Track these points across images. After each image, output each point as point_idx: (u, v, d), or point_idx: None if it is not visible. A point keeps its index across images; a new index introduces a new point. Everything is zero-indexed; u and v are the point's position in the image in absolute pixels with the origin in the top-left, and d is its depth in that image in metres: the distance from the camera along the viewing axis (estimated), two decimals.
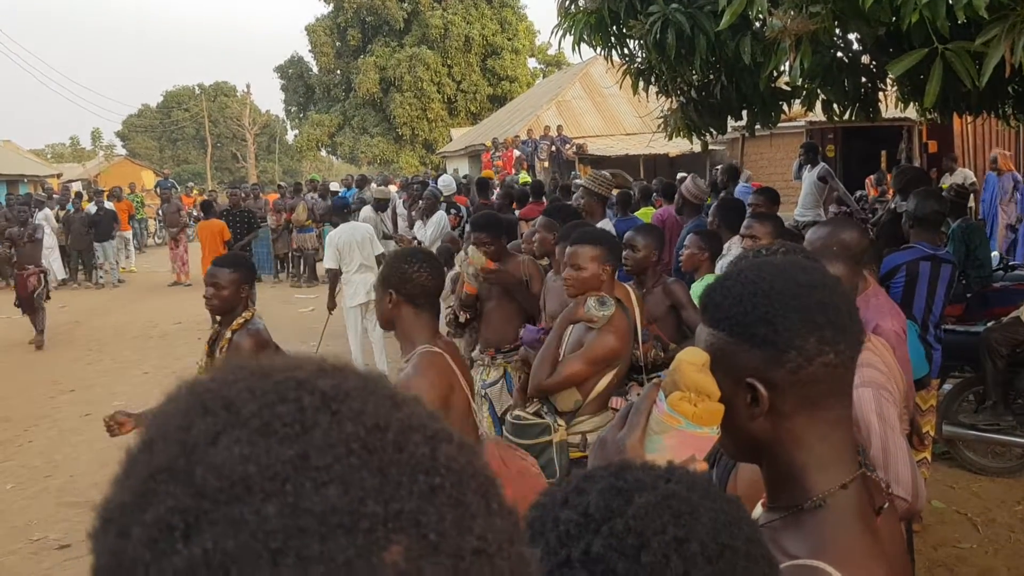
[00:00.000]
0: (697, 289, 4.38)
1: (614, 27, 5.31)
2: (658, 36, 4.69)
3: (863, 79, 5.62)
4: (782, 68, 4.72)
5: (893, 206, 6.91)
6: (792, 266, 1.22)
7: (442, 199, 10.64)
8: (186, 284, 16.89)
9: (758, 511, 1.22)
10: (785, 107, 5.86)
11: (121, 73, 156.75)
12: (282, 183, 20.58)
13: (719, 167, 10.23)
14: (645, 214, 8.24)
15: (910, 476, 2.06)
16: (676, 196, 7.08)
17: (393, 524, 0.38)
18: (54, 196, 20.95)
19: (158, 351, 10.95)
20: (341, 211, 9.06)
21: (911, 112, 9.76)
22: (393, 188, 16.86)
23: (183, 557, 0.37)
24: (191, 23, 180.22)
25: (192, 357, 10.45)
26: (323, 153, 46.80)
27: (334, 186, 18.95)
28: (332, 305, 8.56)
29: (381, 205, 11.71)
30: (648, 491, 0.76)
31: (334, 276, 8.44)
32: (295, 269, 17.32)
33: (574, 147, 19.95)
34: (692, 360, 1.19)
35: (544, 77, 38.45)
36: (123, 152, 58.74)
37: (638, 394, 1.40)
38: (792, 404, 1.14)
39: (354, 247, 8.53)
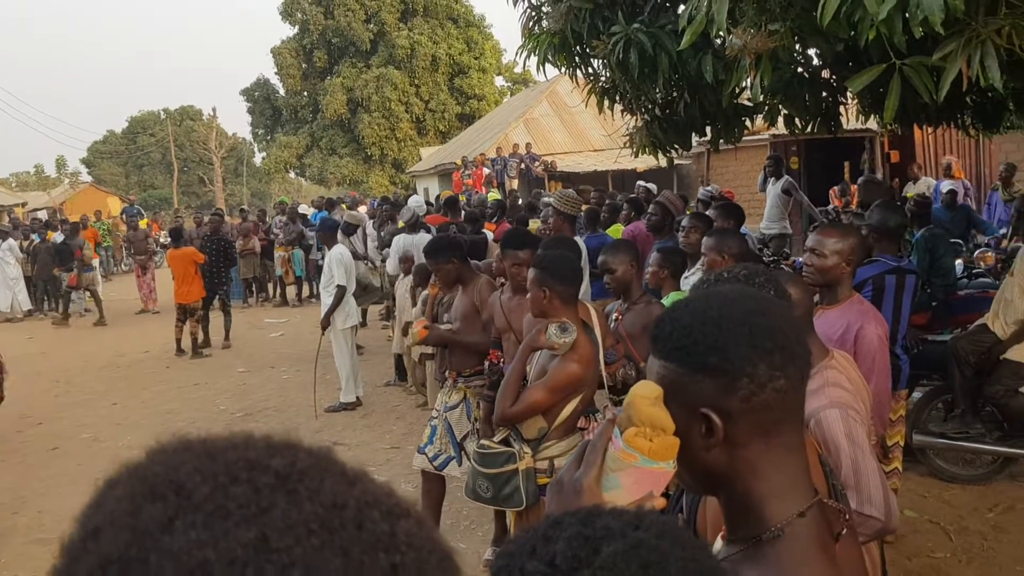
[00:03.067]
0: (666, 303, 4.38)
1: (578, 47, 5.34)
2: (621, 56, 4.72)
3: (824, 93, 5.69)
4: (743, 85, 4.78)
5: (854, 221, 6.98)
6: (739, 294, 1.22)
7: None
8: (154, 312, 16.72)
9: (718, 544, 1.21)
10: (748, 122, 5.92)
11: (85, 100, 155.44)
12: (245, 207, 20.38)
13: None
14: (616, 231, 8.27)
15: (882, 496, 2.07)
16: (652, 209, 7.08)
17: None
18: (19, 227, 20.64)
19: (126, 381, 10.80)
20: (333, 232, 8.99)
21: (872, 123, 9.91)
22: (363, 209, 16.81)
23: None
24: (156, 48, 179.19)
25: (161, 386, 10.35)
26: (291, 175, 46.57)
27: (303, 208, 18.86)
28: (327, 324, 8.48)
29: (350, 228, 11.71)
30: (616, 539, 0.75)
31: (342, 294, 8.37)
32: (265, 293, 17.21)
33: (543, 164, 20.03)
34: (645, 394, 1.19)
35: (511, 95, 38.59)
36: (88, 179, 58.04)
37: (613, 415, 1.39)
38: (746, 432, 1.13)
39: (352, 268, 8.54)
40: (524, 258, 4.50)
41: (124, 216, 25.88)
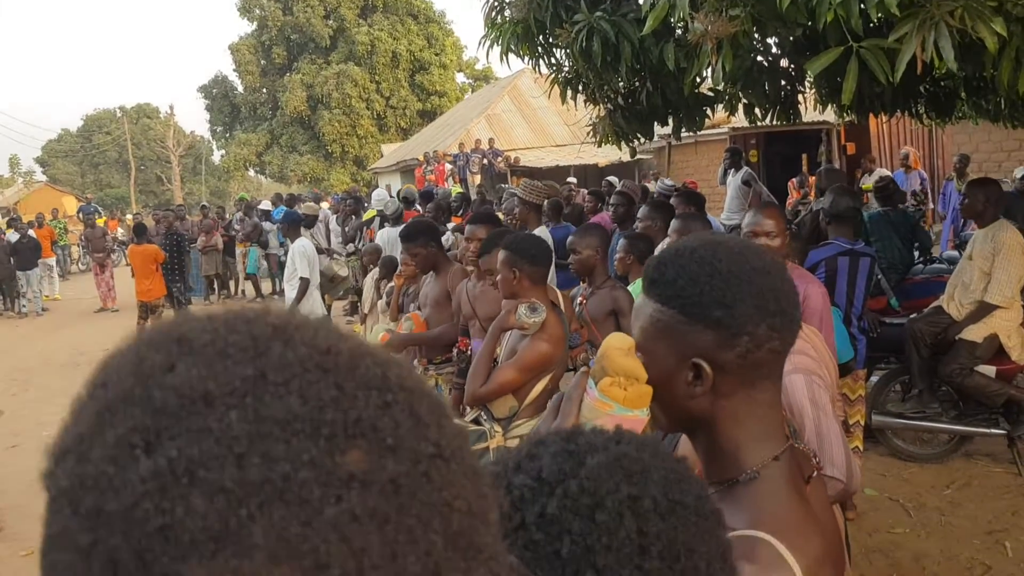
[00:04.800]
0: (635, 291, 4.44)
1: (540, 36, 5.37)
2: (584, 44, 4.76)
3: (783, 82, 5.78)
4: (705, 73, 4.84)
5: (814, 207, 7.13)
6: (746, 249, 1.22)
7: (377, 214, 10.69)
8: (113, 310, 16.49)
9: None
10: (709, 112, 6.00)
11: (38, 98, 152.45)
12: (206, 204, 20.21)
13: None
14: None
15: (844, 458, 2.12)
16: (615, 199, 7.14)
17: (352, 430, 0.39)
18: None
19: (87, 378, 10.64)
20: (297, 226, 8.97)
21: (830, 116, 10.07)
22: (325, 205, 16.75)
23: (148, 466, 0.38)
24: (111, 43, 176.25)
25: None
26: (251, 173, 46.11)
27: (265, 205, 18.71)
28: None
29: (310, 221, 11.67)
30: (600, 452, 0.77)
31: (305, 286, 8.34)
32: (227, 290, 17.06)
33: (506, 160, 20.06)
34: (619, 346, 1.21)
35: (473, 91, 38.58)
36: (43, 179, 57.01)
37: None
38: (733, 385, 1.16)
39: (316, 261, 8.54)
40: (480, 235, 4.61)
41: (81, 215, 25.45)
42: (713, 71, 4.38)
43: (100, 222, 21.10)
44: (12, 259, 16.70)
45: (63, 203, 34.38)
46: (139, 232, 12.44)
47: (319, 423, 0.39)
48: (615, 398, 1.20)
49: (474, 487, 0.44)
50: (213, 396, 0.39)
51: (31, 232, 17.83)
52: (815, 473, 1.29)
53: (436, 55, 38.57)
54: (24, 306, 17.00)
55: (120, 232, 26.84)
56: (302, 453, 0.38)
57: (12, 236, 17.26)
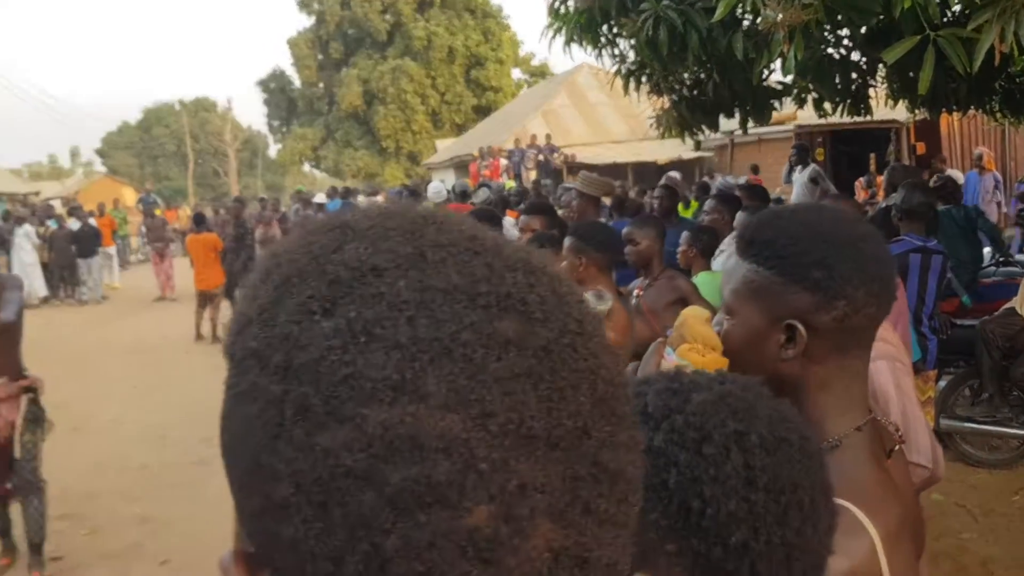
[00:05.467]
0: (699, 283, 4.36)
1: (605, 26, 5.32)
2: (650, 33, 4.69)
3: (854, 75, 5.66)
4: (774, 64, 4.75)
5: (885, 204, 6.97)
6: (847, 215, 1.23)
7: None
8: (171, 299, 16.78)
9: None
10: (777, 105, 5.89)
11: (100, 90, 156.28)
12: (264, 196, 20.51)
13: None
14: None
15: (929, 444, 2.08)
16: (658, 192, 7.07)
17: (504, 303, 0.42)
18: (36, 212, 20.73)
19: (145, 365, 10.86)
20: None
21: (899, 114, 9.84)
22: (380, 198, 16.85)
23: (330, 325, 0.42)
24: (172, 37, 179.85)
25: (181, 371, 10.39)
26: (306, 167, 46.69)
27: (319, 198, 18.90)
28: None
29: None
30: (704, 390, 0.80)
31: None
32: None
33: (562, 156, 20.00)
34: (697, 314, 1.27)
35: (529, 87, 38.57)
36: (103, 170, 58.37)
37: None
38: (825, 350, 1.15)
39: None
40: (534, 226, 4.63)
41: (141, 205, 25.96)
42: (783, 62, 4.29)
43: (158, 212, 21.52)
44: (73, 247, 17.09)
45: (122, 194, 35.06)
46: (198, 221, 12.64)
47: (475, 294, 0.42)
48: (693, 362, 1.21)
49: (613, 361, 0.47)
50: (381, 268, 0.43)
51: (92, 221, 18.22)
52: (897, 447, 1.28)
53: (493, 50, 38.61)
54: (85, 294, 17.38)
55: (177, 224, 27.36)
56: (464, 317, 0.41)
57: (73, 224, 17.65)
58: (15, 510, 4.87)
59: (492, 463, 0.40)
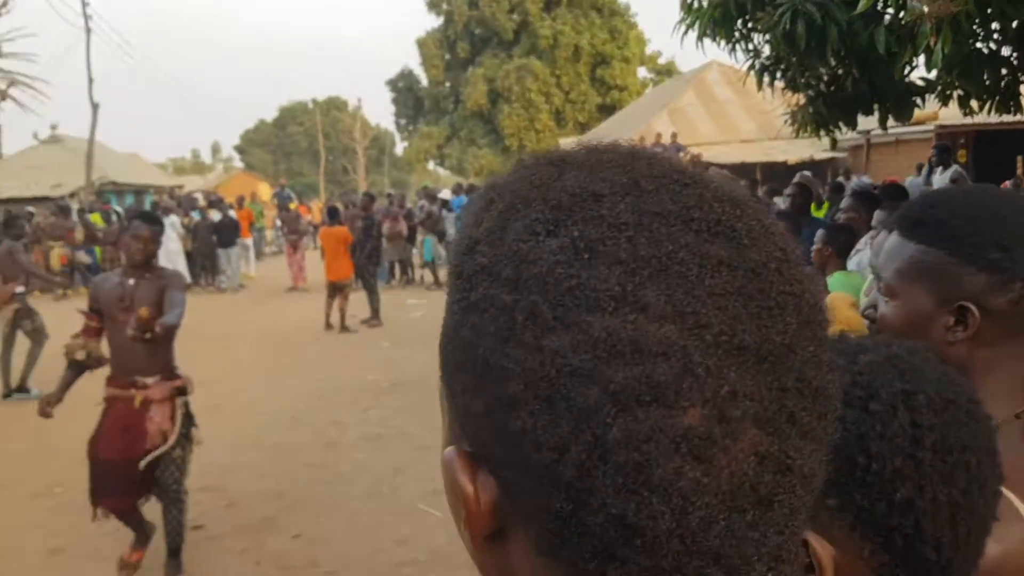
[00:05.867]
0: (833, 284, 4.26)
1: (740, 20, 5.25)
2: (787, 27, 4.61)
3: (1003, 71, 5.40)
4: (917, 60, 4.58)
5: None
6: (1020, 198, 1.21)
7: None
8: (303, 289, 17.45)
9: None
10: (919, 102, 5.67)
11: (240, 90, 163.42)
12: (391, 192, 21.06)
13: None
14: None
15: None
16: (791, 190, 6.90)
17: (715, 228, 0.46)
18: (181, 204, 21.92)
19: (279, 350, 11.34)
20: None
21: None
22: None
23: (556, 243, 0.45)
24: (307, 40, 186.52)
25: (311, 357, 10.82)
26: (431, 165, 47.60)
27: (445, 194, 19.26)
28: None
29: None
30: (871, 352, 0.80)
31: None
32: (408, 275, 17.77)
33: (689, 154, 19.73)
34: (843, 298, 1.25)
35: (654, 86, 38.18)
36: (240, 165, 61.12)
37: None
38: (995, 333, 1.13)
39: None
40: None
41: (275, 199, 27.08)
42: (928, 56, 4.13)
43: (292, 207, 22.40)
44: (214, 237, 18.00)
45: (258, 188, 36.61)
46: (331, 214, 13.06)
47: (688, 219, 0.46)
48: None
49: (815, 288, 0.49)
50: (600, 194, 0.47)
51: (232, 213, 19.14)
52: None
53: (619, 48, 38.41)
54: (223, 282, 18.29)
55: (310, 217, 28.39)
56: (679, 238, 0.45)
57: (215, 216, 18.58)
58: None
59: (707, 369, 0.42)
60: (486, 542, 0.50)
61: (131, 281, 4.52)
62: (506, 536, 0.49)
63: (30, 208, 19.87)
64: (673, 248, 0.44)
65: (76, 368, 4.60)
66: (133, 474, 4.38)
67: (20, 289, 8.71)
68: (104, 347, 4.64)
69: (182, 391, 4.67)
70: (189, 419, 4.70)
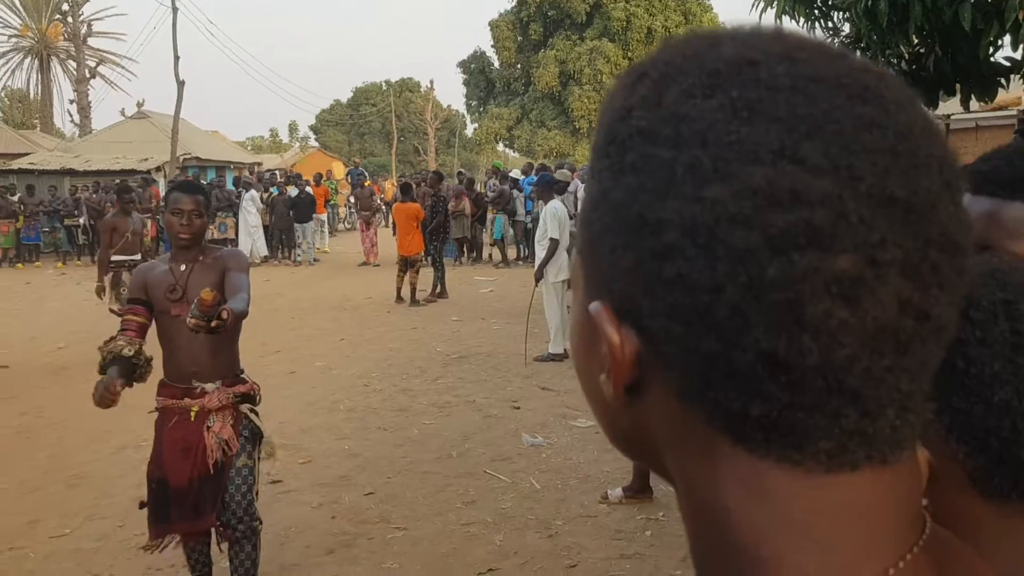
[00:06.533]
0: None
1: None
2: (869, 3, 4.59)
3: None
4: (1003, 39, 4.51)
5: None
6: None
7: None
8: (375, 264, 17.79)
9: None
10: (1004, 83, 5.55)
11: (316, 71, 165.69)
12: (462, 171, 21.28)
13: None
14: None
15: None
16: None
17: (865, 95, 0.48)
18: (263, 179, 22.53)
19: (352, 321, 11.62)
20: (550, 189, 9.30)
21: None
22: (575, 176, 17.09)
23: (714, 103, 0.48)
24: (382, 21, 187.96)
25: (382, 328, 11.08)
26: (500, 146, 47.70)
27: (514, 173, 19.37)
28: (541, 276, 8.79)
29: (560, 188, 11.98)
30: (973, 266, 0.81)
31: (555, 247, 8.66)
32: (475, 253, 17.96)
33: None
34: None
35: None
36: (316, 144, 62.10)
37: None
38: None
39: (566, 223, 8.79)
40: None
41: (349, 177, 27.54)
42: (1016, 34, 4.08)
43: (366, 184, 22.79)
44: (291, 212, 18.45)
45: (332, 167, 37.27)
46: (404, 191, 13.28)
47: (840, 84, 0.49)
48: None
49: (954, 156, 0.52)
50: (756, 60, 0.50)
51: (308, 189, 19.57)
52: None
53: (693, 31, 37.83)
54: (299, 255, 18.75)
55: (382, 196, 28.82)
56: (834, 99, 0.47)
57: (292, 191, 19.03)
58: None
59: (860, 217, 0.45)
60: (624, 395, 0.52)
61: (182, 267, 3.67)
62: (644, 388, 0.52)
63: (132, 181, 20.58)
64: (828, 107, 0.47)
65: (119, 372, 3.59)
66: (204, 492, 3.63)
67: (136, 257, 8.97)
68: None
69: (248, 398, 3.78)
70: (254, 429, 3.78)
